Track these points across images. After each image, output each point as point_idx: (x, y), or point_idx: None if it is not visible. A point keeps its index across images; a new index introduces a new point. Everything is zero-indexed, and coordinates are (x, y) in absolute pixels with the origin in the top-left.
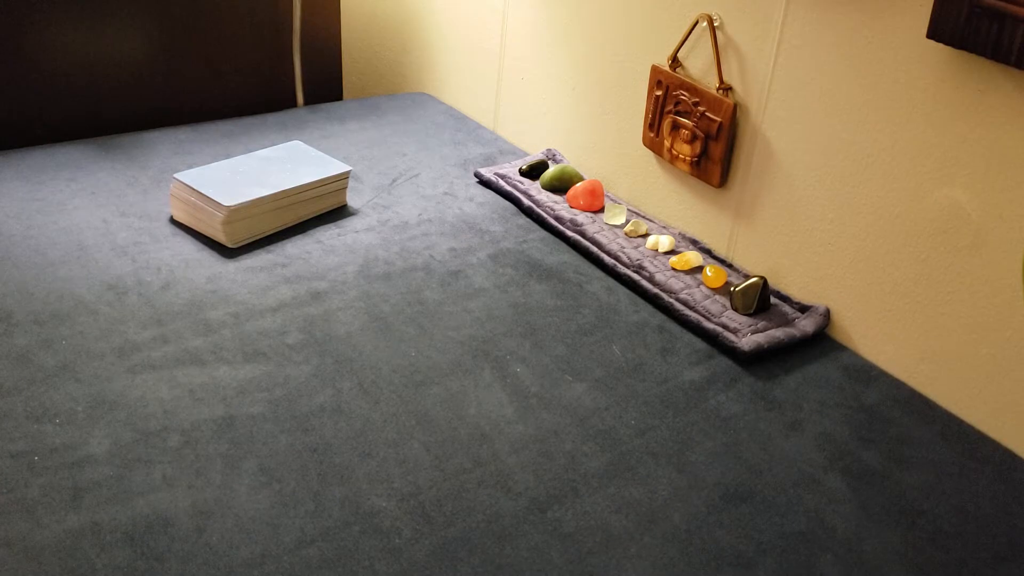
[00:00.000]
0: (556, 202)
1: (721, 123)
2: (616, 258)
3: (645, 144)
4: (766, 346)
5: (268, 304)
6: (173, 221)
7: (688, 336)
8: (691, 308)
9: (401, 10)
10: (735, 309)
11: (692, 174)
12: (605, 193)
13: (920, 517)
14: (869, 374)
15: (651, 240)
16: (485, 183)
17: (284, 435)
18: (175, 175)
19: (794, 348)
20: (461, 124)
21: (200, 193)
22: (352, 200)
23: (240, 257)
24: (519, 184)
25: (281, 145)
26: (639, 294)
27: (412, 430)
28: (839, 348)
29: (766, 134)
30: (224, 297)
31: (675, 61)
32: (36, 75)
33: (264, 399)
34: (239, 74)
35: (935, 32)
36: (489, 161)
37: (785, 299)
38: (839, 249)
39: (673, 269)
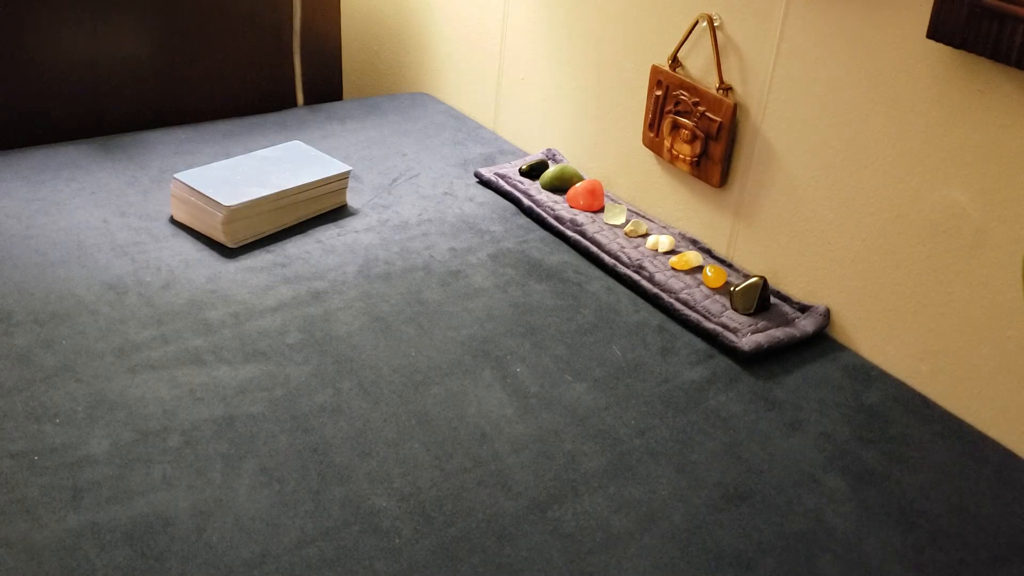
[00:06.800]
0: (556, 202)
1: (721, 123)
2: (616, 258)
3: (645, 144)
4: (766, 346)
5: (268, 304)
6: (173, 221)
7: (688, 336)
8: (691, 308)
9: (401, 10)
10: (735, 309)
11: (692, 174)
12: (605, 193)
13: (920, 517)
14: (869, 374)
15: (651, 240)
16: (485, 183)
17: (284, 435)
18: (175, 175)
19: (794, 348)
20: (461, 124)
21: (200, 193)
22: (352, 200)
23: (240, 257)
24: (519, 184)
25: (281, 145)
26: (639, 294)
27: (412, 430)
28: (839, 348)
29: (766, 134)
30: (224, 297)
31: (675, 61)
32: (36, 75)
33: (264, 399)
34: (239, 74)
35: (935, 32)
36: (489, 161)
37: (785, 299)
38: (839, 249)
39: (673, 269)
